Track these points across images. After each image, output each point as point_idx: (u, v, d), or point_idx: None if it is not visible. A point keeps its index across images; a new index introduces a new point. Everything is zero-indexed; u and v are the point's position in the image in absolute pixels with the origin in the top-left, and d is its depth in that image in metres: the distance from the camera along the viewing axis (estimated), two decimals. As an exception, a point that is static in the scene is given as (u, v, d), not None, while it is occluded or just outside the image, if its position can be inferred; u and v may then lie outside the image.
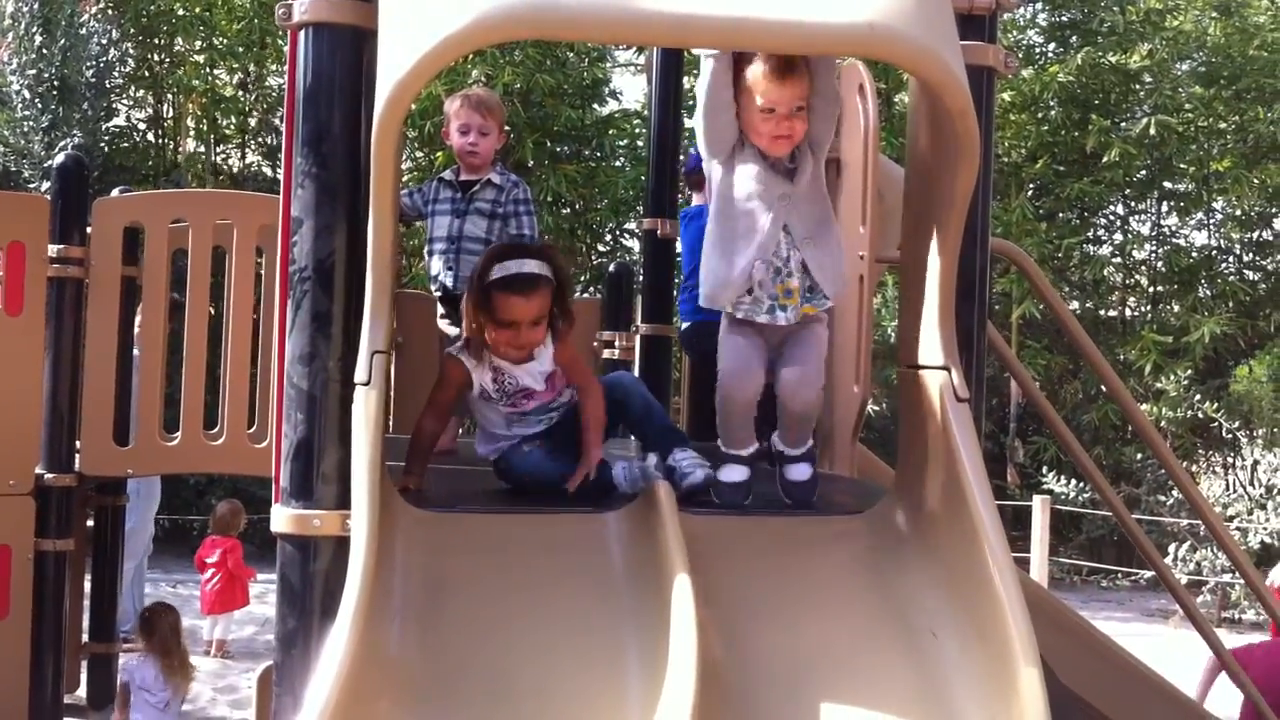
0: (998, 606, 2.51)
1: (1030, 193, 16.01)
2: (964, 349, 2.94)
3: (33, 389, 5.13)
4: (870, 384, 4.45)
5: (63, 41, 13.81)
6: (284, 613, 2.75)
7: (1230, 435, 14.58)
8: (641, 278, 5.76)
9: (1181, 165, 16.09)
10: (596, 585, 2.75)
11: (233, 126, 16.28)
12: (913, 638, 2.68)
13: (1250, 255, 17.31)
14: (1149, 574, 12.60)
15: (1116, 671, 4.99)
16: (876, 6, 2.49)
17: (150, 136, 16.36)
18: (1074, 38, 16.33)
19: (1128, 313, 17.51)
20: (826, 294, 3.12)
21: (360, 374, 2.63)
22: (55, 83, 13.78)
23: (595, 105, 15.62)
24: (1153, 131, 15.07)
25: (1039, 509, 12.28)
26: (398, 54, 2.45)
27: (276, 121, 15.44)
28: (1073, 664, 4.77)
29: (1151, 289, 17.32)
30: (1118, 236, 17.40)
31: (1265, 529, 12.89)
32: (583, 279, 14.94)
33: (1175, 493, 13.22)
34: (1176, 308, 16.46)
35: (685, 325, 4.96)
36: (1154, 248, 17.18)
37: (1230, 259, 17.27)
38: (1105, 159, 15.14)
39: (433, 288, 4.57)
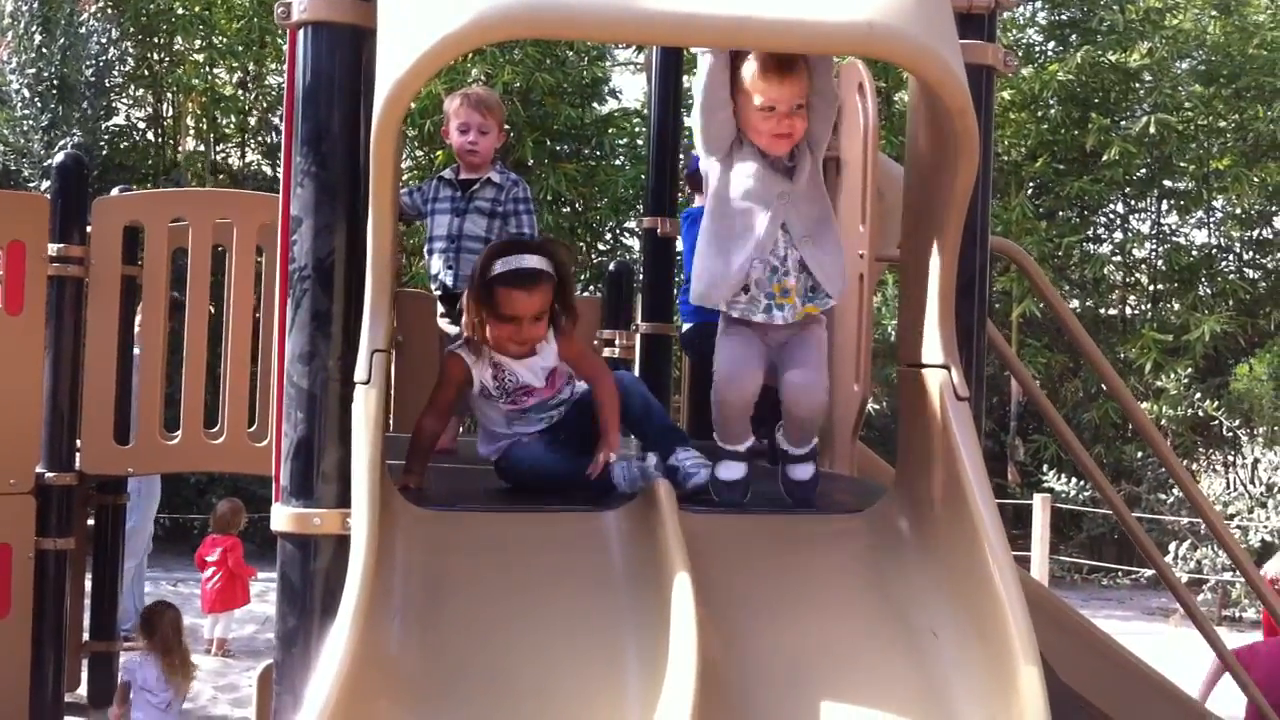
0: (998, 605, 2.51)
1: (1030, 191, 16.02)
2: (964, 347, 2.94)
3: (33, 388, 5.13)
4: (870, 383, 4.46)
5: (62, 40, 13.82)
6: (284, 611, 2.75)
7: (1230, 433, 14.59)
8: (641, 276, 5.76)
9: (1181, 164, 16.09)
10: (596, 584, 2.75)
11: (232, 125, 16.28)
12: (913, 636, 2.68)
13: (1250, 253, 17.32)
14: (1149, 572, 12.61)
15: (1117, 670, 4.99)
16: (876, 5, 2.49)
17: (150, 135, 16.36)
18: (1074, 36, 16.33)
19: (1128, 311, 17.52)
20: (829, 293, 3.10)
21: (360, 373, 2.63)
22: (55, 82, 13.78)
23: (595, 104, 15.62)
24: (1152, 130, 15.07)
25: (1039, 507, 12.28)
26: (397, 53, 2.45)
27: (276, 120, 15.45)
28: (1073, 663, 4.77)
29: (1151, 287, 17.32)
30: (1118, 235, 17.41)
31: (1266, 527, 12.89)
32: (583, 278, 14.94)
33: (1176, 491, 13.23)
34: (1177, 306, 16.47)
35: (687, 326, 4.95)
36: (1154, 246, 17.18)
37: (1230, 257, 17.28)
38: (1105, 157, 15.15)
39: (433, 286, 4.58)
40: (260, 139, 16.30)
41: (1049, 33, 16.94)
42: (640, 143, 14.87)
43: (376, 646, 2.44)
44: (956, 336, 2.89)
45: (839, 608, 2.79)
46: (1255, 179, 15.48)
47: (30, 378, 5.12)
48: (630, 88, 16.98)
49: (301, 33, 2.78)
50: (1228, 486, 14.51)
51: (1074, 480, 13.75)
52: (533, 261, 3.28)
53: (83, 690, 6.64)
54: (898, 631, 2.70)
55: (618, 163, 15.49)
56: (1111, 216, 17.43)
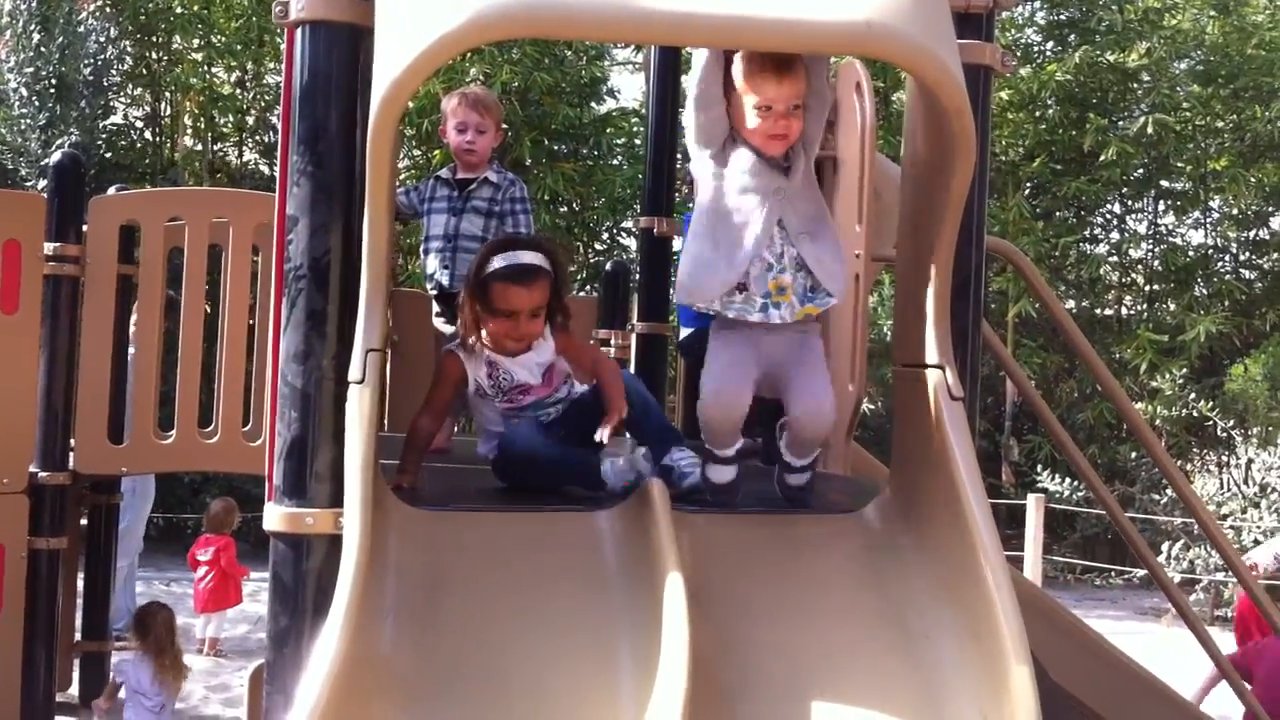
0: (990, 606, 2.51)
1: (1027, 191, 16.03)
2: (959, 347, 2.93)
3: (28, 387, 5.13)
4: (865, 383, 4.46)
5: (60, 39, 13.80)
6: (276, 611, 2.74)
7: (1225, 434, 14.60)
8: (638, 276, 5.76)
9: (1178, 164, 16.11)
10: (590, 583, 2.75)
11: (230, 124, 16.27)
12: (906, 636, 2.68)
13: (1246, 254, 17.33)
14: (1142, 572, 12.60)
15: (1110, 670, 4.99)
16: (874, 5, 2.48)
17: (147, 134, 16.35)
18: (1072, 36, 16.33)
19: (1124, 311, 17.53)
20: (830, 291, 3.02)
21: (354, 372, 2.63)
22: (52, 81, 13.77)
23: (593, 104, 15.60)
24: (1150, 130, 15.08)
25: (1033, 507, 12.28)
26: (394, 52, 2.45)
27: (274, 119, 15.43)
28: (1066, 663, 4.77)
29: (1148, 288, 17.34)
30: (1114, 235, 17.43)
31: (1259, 527, 12.90)
32: (580, 277, 14.94)
33: (1169, 491, 13.24)
34: (1172, 306, 16.49)
35: (686, 332, 4.93)
36: (1150, 246, 17.20)
37: (1226, 258, 17.30)
38: (1102, 158, 15.16)
39: (429, 286, 4.58)
40: (258, 138, 16.29)
41: (1047, 33, 16.95)
42: (638, 143, 14.87)
43: (368, 646, 2.44)
44: (952, 336, 2.88)
45: (832, 607, 2.79)
46: (1252, 179, 15.51)
47: (25, 377, 5.12)
48: (629, 87, 17.01)
49: (299, 31, 2.78)
50: (1221, 487, 14.52)
51: (1068, 480, 13.75)
52: (530, 257, 3.31)
53: (74, 690, 6.64)
54: (891, 631, 2.70)
55: (615, 162, 15.48)
56: (1108, 217, 17.45)
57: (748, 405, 3.06)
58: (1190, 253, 16.79)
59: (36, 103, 13.75)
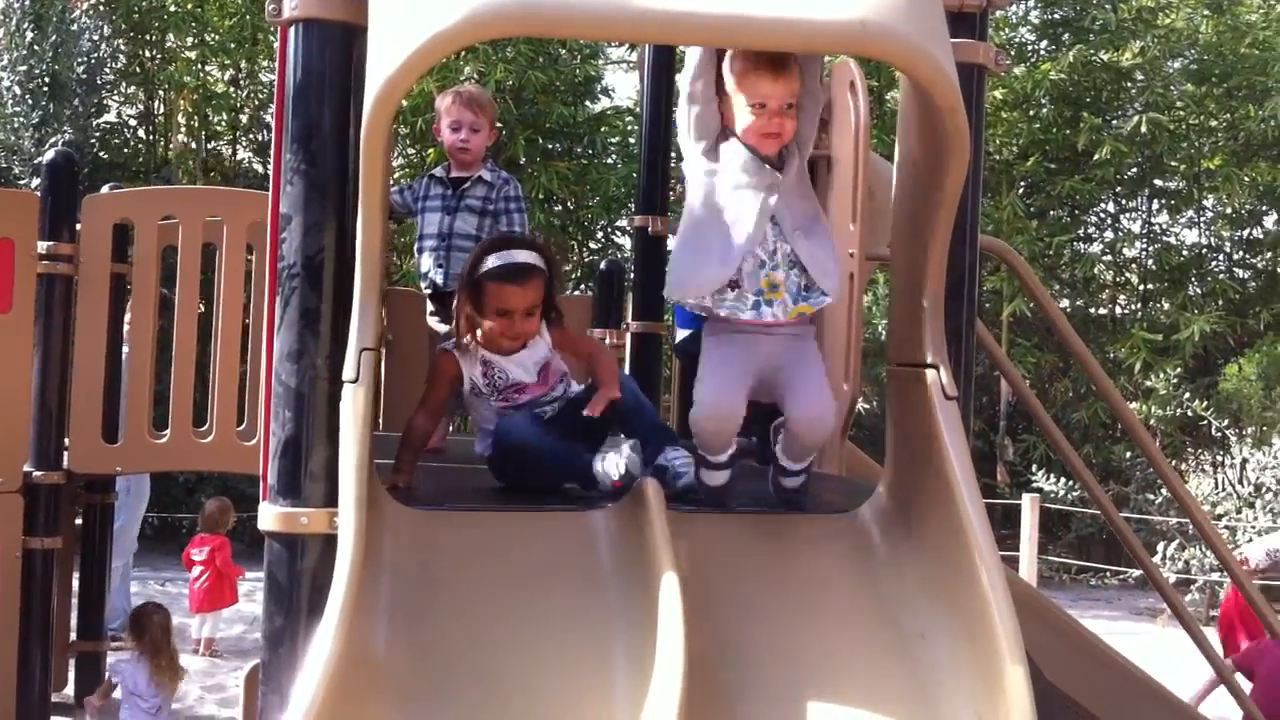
0: (985, 605, 2.52)
1: (1021, 190, 16.05)
2: (953, 347, 2.93)
3: (21, 386, 5.12)
4: (860, 382, 4.46)
5: (54, 37, 13.78)
6: (271, 611, 2.74)
7: (1219, 434, 14.62)
8: (633, 275, 5.76)
9: (1172, 163, 16.13)
10: (585, 582, 2.75)
11: (224, 123, 16.25)
12: (900, 636, 2.68)
13: (1240, 253, 17.37)
14: (1137, 573, 12.61)
15: (1105, 670, 5.00)
16: (868, 4, 2.48)
17: (141, 133, 16.33)
18: (1066, 35, 16.35)
19: (1118, 310, 17.56)
20: (825, 290, 2.99)
21: (348, 371, 2.62)
22: (46, 79, 13.75)
23: (587, 102, 15.60)
24: (1144, 129, 15.11)
25: (1028, 507, 12.29)
26: (388, 50, 2.44)
27: (268, 118, 15.41)
28: (1061, 663, 4.77)
29: (1142, 287, 17.36)
30: (1108, 234, 17.46)
31: (1254, 527, 12.91)
32: (574, 276, 14.93)
33: (1164, 491, 13.25)
34: (1166, 306, 16.51)
35: (684, 334, 4.92)
36: (1144, 245, 17.23)
37: (1220, 257, 17.33)
38: (1096, 157, 15.17)
39: (423, 285, 4.58)
40: (252, 136, 16.27)
41: (1041, 32, 16.97)
42: (632, 141, 14.87)
43: (363, 646, 2.44)
44: (946, 336, 2.88)
45: (827, 607, 2.79)
46: (1246, 179, 15.52)
47: (19, 376, 5.11)
48: (623, 86, 17.02)
49: (292, 30, 2.77)
50: (1216, 487, 14.53)
51: (1063, 480, 13.76)
52: (524, 256, 3.32)
53: (70, 690, 6.63)
54: (886, 631, 2.71)
55: (610, 161, 15.47)
56: (1102, 216, 17.47)
57: (742, 417, 3.02)
58: (1184, 252, 16.82)
59: (30, 101, 13.73)
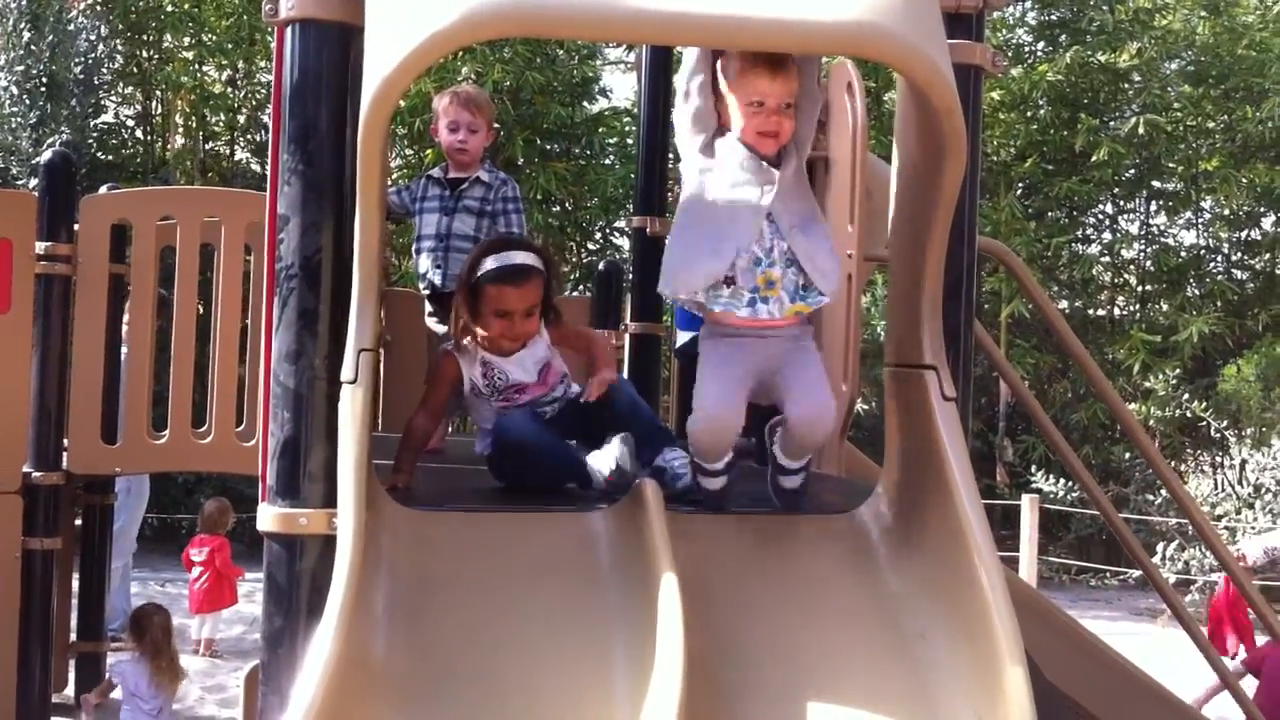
0: (984, 606, 2.52)
1: (1019, 192, 16.05)
2: (951, 348, 2.93)
3: (20, 387, 5.13)
4: (859, 383, 4.46)
5: (51, 38, 13.78)
6: (270, 611, 2.74)
7: (1218, 434, 14.62)
8: (631, 276, 5.76)
9: (1170, 164, 16.13)
10: (584, 583, 2.75)
11: (222, 123, 16.25)
12: (900, 637, 2.68)
13: (1238, 254, 17.37)
14: (1137, 573, 12.62)
15: (1104, 670, 5.00)
16: (865, 5, 2.48)
17: (139, 133, 16.33)
18: (1063, 37, 16.35)
19: (1116, 312, 17.55)
20: (822, 290, 2.95)
21: (347, 372, 2.62)
22: (43, 79, 13.75)
23: (585, 103, 15.60)
24: (1141, 131, 15.10)
25: (1028, 508, 12.29)
26: (385, 50, 2.44)
27: (265, 118, 15.40)
28: (1061, 663, 4.77)
29: (1140, 288, 17.36)
30: (1106, 235, 17.45)
31: (1253, 528, 12.91)
32: (573, 277, 14.93)
33: (1164, 492, 13.25)
34: (1165, 307, 16.50)
35: (686, 337, 4.91)
36: (1142, 247, 17.23)
37: (1218, 258, 17.33)
38: (1094, 158, 15.17)
39: (421, 286, 4.57)
40: (250, 137, 16.27)
41: (1038, 33, 16.96)
42: (630, 142, 14.86)
43: (362, 646, 2.44)
44: (944, 337, 2.88)
45: (826, 608, 2.79)
46: (1244, 180, 15.53)
47: (17, 377, 5.11)
48: (620, 87, 17.01)
49: (289, 30, 2.77)
50: (1215, 487, 14.53)
51: (1062, 481, 13.76)
52: (522, 257, 3.33)
53: (70, 690, 6.63)
54: (885, 632, 2.71)
55: (607, 162, 15.47)
56: (1100, 217, 17.47)
57: (740, 427, 3.01)
58: (1182, 253, 16.82)
59: (27, 101, 13.73)
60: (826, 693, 2.58)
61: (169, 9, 15.16)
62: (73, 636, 6.62)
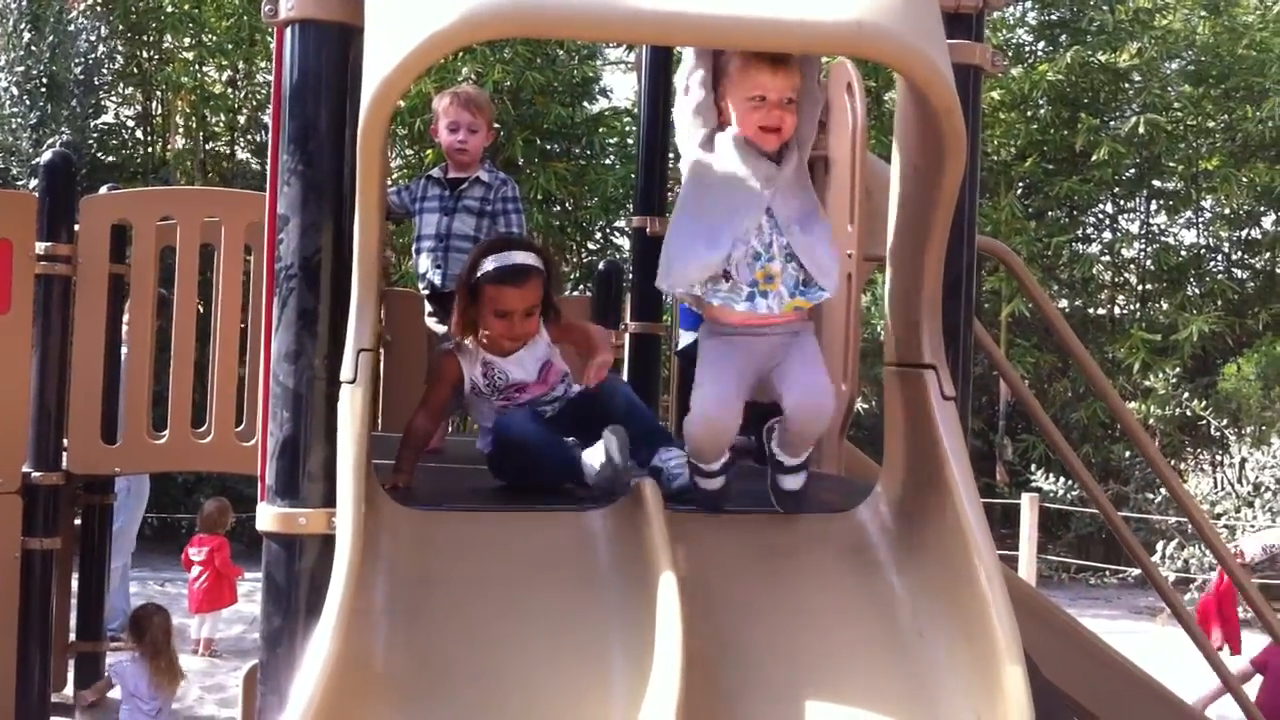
0: (983, 605, 2.52)
1: (1019, 191, 16.06)
2: (950, 347, 2.93)
3: (20, 387, 5.12)
4: (858, 382, 4.46)
5: (51, 38, 13.79)
6: (269, 611, 2.74)
7: (1218, 433, 14.62)
8: (631, 276, 5.76)
9: (1170, 164, 16.14)
10: (582, 582, 2.75)
11: (222, 124, 16.25)
12: (899, 636, 2.69)
13: (1239, 254, 17.38)
14: (1137, 572, 12.61)
15: (1104, 669, 5.00)
16: (864, 5, 2.48)
17: (139, 134, 16.34)
18: (1063, 36, 16.35)
19: (1117, 311, 17.56)
20: (823, 286, 2.93)
21: (346, 372, 2.63)
22: (43, 80, 13.75)
23: (585, 103, 15.60)
24: (1141, 130, 15.11)
25: (1027, 507, 12.29)
26: (384, 51, 2.44)
27: (265, 118, 15.40)
28: (1060, 662, 4.78)
29: (1140, 287, 17.36)
30: (1107, 235, 17.46)
31: (1253, 526, 12.92)
32: (573, 277, 14.93)
33: (1163, 490, 13.25)
34: (1165, 306, 16.51)
35: (689, 338, 4.90)
36: (1143, 246, 17.23)
37: (1219, 257, 17.34)
38: (1094, 157, 15.18)
39: (421, 286, 4.57)
40: (250, 137, 16.28)
41: (1039, 33, 16.96)
42: (630, 142, 14.86)
43: (361, 646, 2.44)
44: (943, 336, 2.88)
45: (825, 607, 2.79)
46: (1244, 179, 15.54)
47: (17, 377, 5.11)
48: (621, 87, 17.02)
49: (289, 30, 2.78)
50: (1215, 486, 14.54)
51: (1062, 480, 13.77)
52: (521, 257, 3.33)
53: (69, 690, 6.62)
54: (884, 631, 2.71)
55: (608, 162, 15.47)
56: (1100, 216, 17.48)
57: (737, 428, 2.99)
58: (1182, 252, 16.82)
59: (27, 102, 13.74)
60: (825, 692, 2.58)
61: (169, 9, 15.16)
62: (72, 636, 6.62)
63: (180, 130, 16.36)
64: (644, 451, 3.23)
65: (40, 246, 5.11)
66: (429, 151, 13.96)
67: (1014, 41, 16.86)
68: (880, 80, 13.53)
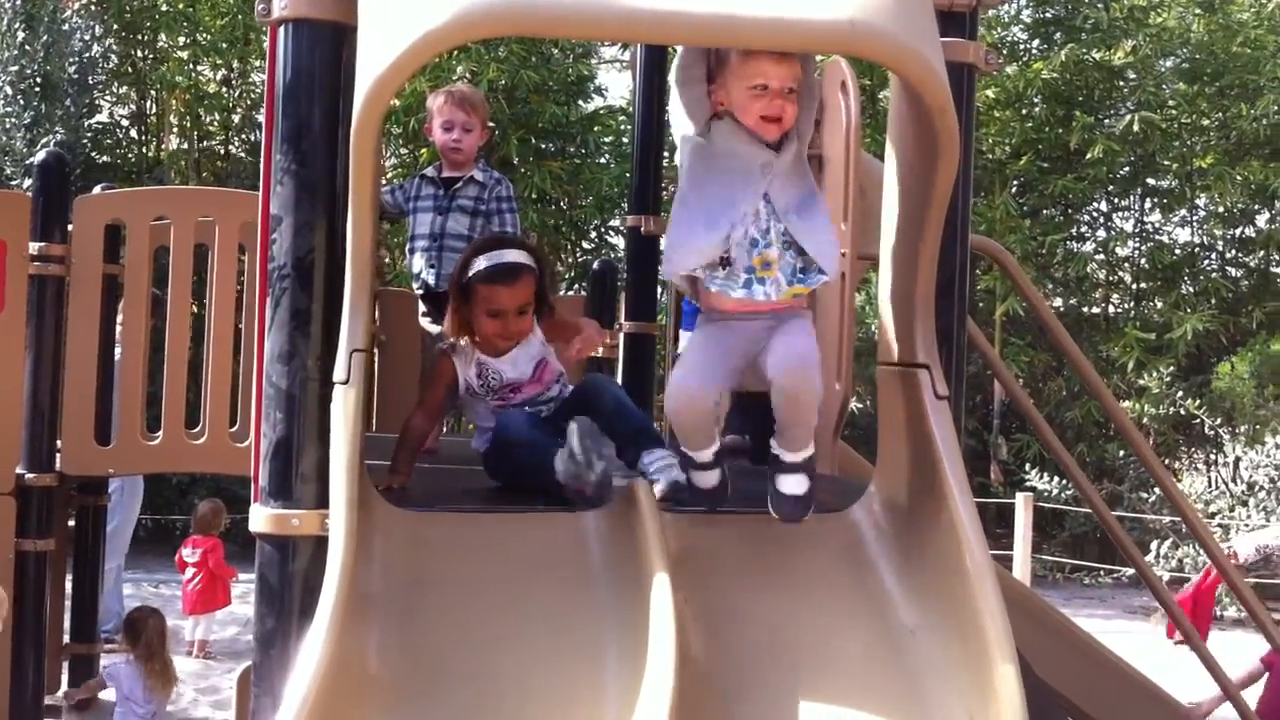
0: (975, 605, 2.52)
1: (1014, 189, 16.06)
2: (944, 346, 2.93)
3: (13, 388, 5.11)
4: (852, 381, 4.46)
5: (45, 38, 13.76)
6: (263, 613, 2.74)
7: (1213, 432, 14.64)
8: (625, 275, 5.75)
9: (1164, 162, 16.15)
10: (576, 583, 2.75)
11: (216, 123, 16.23)
12: (892, 636, 2.69)
13: (1233, 252, 17.39)
14: (1131, 571, 12.60)
15: (1098, 669, 5.01)
16: (857, 4, 2.49)
17: (133, 133, 16.31)
18: (1058, 34, 16.37)
19: (1111, 309, 17.58)
20: (824, 268, 2.89)
21: (339, 372, 2.62)
22: (37, 79, 13.72)
23: (580, 102, 15.59)
24: (1136, 128, 15.11)
25: (1022, 506, 12.30)
26: (378, 50, 2.44)
27: (260, 118, 15.39)
28: (1054, 661, 4.78)
29: (1134, 286, 17.38)
30: (1101, 233, 17.46)
31: (1247, 525, 12.93)
32: (567, 276, 14.92)
33: (1158, 490, 13.26)
34: (1159, 304, 16.52)
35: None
36: (1137, 244, 17.24)
37: (1213, 256, 17.35)
38: (1089, 156, 15.19)
39: (415, 285, 4.57)
40: (244, 136, 16.25)
41: (1033, 31, 16.98)
42: (625, 141, 14.85)
43: (355, 647, 2.44)
44: (936, 335, 2.88)
45: (819, 607, 2.79)
46: (1238, 177, 15.55)
47: (11, 377, 5.10)
48: (615, 85, 17.00)
49: (282, 30, 2.77)
50: (1209, 485, 14.56)
51: (1057, 479, 13.77)
52: (513, 256, 3.34)
53: (62, 692, 6.61)
54: (878, 630, 2.71)
55: (602, 161, 15.47)
56: (1095, 215, 17.49)
57: (715, 401, 2.95)
58: (1177, 251, 16.84)
59: (21, 101, 13.71)
60: (818, 691, 2.58)
61: (164, 9, 15.14)
62: (66, 638, 6.60)
63: (174, 130, 16.34)
64: (631, 452, 3.18)
65: (34, 246, 5.10)
66: (423, 150, 13.95)
67: (1008, 39, 16.87)
68: (875, 78, 13.53)
